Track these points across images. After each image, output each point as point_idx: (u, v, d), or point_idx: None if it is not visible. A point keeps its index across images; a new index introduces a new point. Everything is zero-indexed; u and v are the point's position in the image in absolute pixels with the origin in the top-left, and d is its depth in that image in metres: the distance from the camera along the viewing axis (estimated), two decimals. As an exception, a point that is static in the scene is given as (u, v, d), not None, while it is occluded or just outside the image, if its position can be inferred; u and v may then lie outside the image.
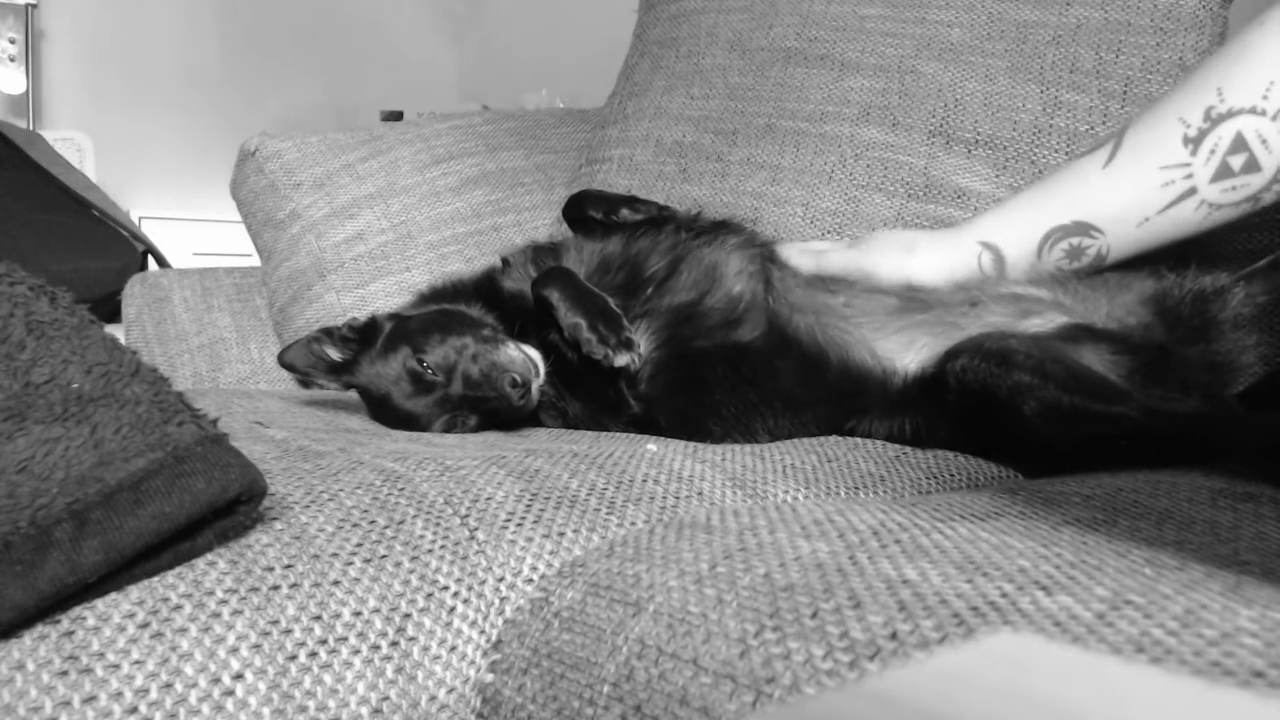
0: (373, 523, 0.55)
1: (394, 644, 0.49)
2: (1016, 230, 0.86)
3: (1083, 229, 0.81)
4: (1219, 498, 0.53)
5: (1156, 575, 0.38)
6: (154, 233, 2.85)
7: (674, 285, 0.97)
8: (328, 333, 1.01)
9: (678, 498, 0.66)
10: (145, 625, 0.44)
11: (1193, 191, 0.75)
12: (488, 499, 0.60)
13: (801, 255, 0.97)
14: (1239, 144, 0.72)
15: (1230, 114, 0.73)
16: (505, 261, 1.08)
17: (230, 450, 0.49)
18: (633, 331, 0.91)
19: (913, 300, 0.91)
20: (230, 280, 1.61)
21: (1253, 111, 0.72)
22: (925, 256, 0.90)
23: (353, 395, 1.03)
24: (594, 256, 1.01)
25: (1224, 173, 0.74)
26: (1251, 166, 0.73)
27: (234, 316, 1.55)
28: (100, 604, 0.44)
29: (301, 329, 1.33)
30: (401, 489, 0.59)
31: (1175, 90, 0.78)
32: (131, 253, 2.50)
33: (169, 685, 0.43)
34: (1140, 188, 0.78)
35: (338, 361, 1.00)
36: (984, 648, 0.19)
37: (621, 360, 0.88)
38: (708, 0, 1.40)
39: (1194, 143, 0.74)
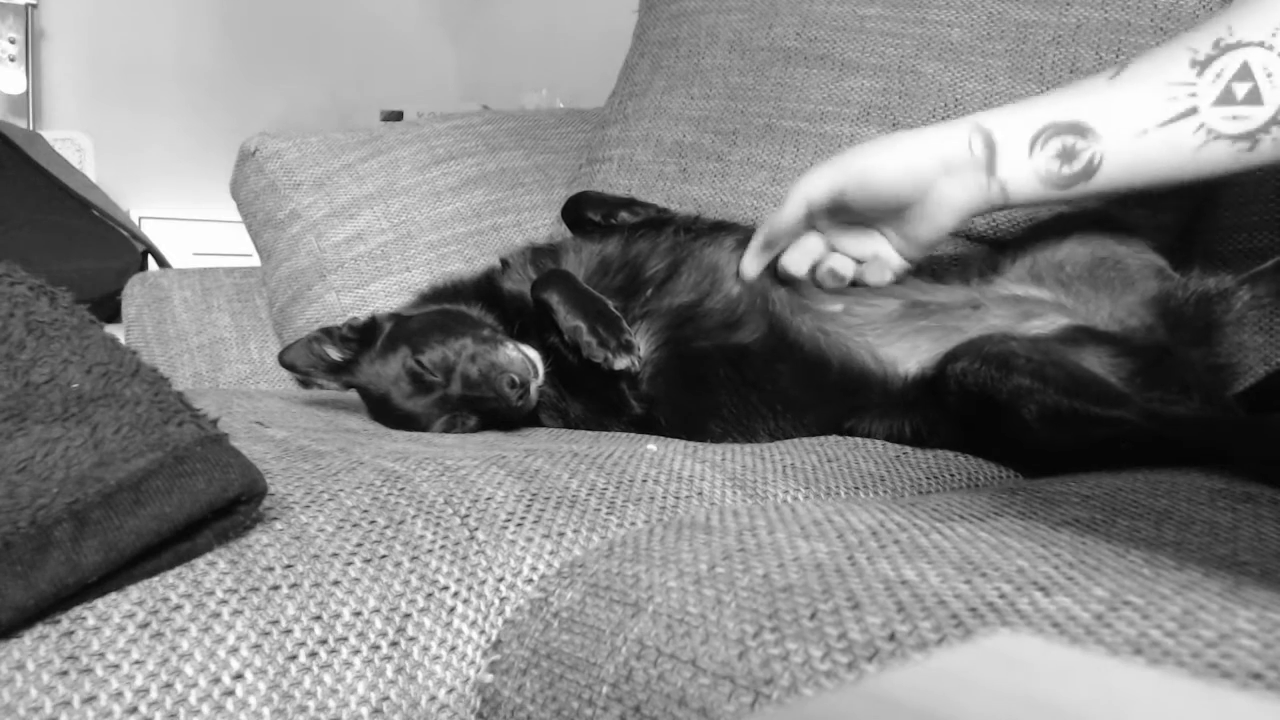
0: (373, 523, 0.55)
1: (394, 644, 0.49)
2: (1012, 120, 0.83)
3: (1079, 129, 0.79)
4: (1218, 498, 0.53)
5: (1155, 576, 0.38)
6: (154, 233, 2.85)
7: (674, 287, 0.97)
8: (328, 333, 1.01)
9: (678, 498, 0.66)
10: (145, 625, 0.44)
11: (1194, 111, 0.75)
12: (488, 499, 0.60)
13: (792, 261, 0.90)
14: (1245, 72, 0.73)
15: (1239, 45, 0.73)
16: (504, 262, 1.08)
17: (230, 450, 0.49)
18: (632, 334, 0.91)
19: (915, 306, 0.91)
20: (230, 280, 1.61)
21: (1261, 45, 0.72)
22: (914, 136, 0.84)
23: (353, 395, 1.03)
24: (593, 258, 1.01)
25: (1227, 97, 0.74)
26: (1254, 98, 0.73)
27: (234, 316, 1.55)
28: (100, 604, 0.44)
29: (301, 329, 1.33)
30: (401, 489, 0.59)
31: (1184, 31, 0.79)
32: (131, 253, 2.50)
33: (169, 685, 0.43)
34: (1144, 96, 0.77)
35: (338, 361, 1.00)
36: (982, 649, 0.19)
37: (621, 363, 0.88)
38: (708, 0, 1.40)
39: (1201, 65, 0.74)
